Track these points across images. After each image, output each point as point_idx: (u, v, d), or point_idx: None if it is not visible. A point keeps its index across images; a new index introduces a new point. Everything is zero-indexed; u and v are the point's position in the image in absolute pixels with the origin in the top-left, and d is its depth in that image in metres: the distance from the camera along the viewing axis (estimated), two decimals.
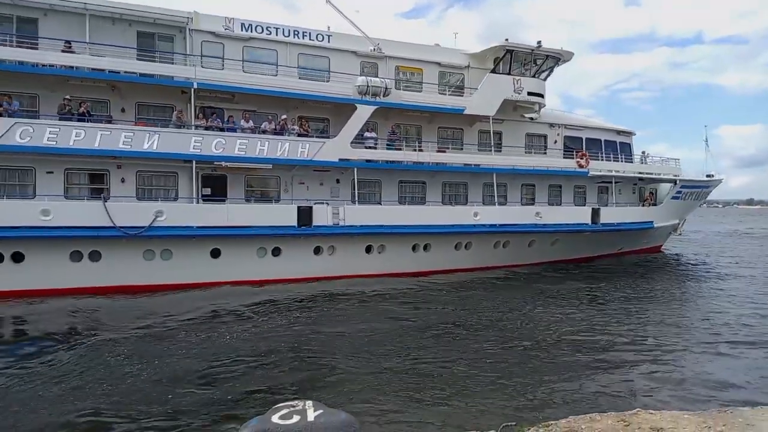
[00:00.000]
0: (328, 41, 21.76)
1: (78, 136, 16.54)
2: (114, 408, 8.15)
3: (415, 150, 22.18)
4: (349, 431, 2.43)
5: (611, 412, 5.15)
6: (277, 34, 20.83)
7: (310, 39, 21.40)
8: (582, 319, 14.62)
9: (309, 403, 2.54)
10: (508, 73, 23.62)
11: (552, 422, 4.81)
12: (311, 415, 2.43)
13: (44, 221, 15.89)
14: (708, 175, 32.37)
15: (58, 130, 16.36)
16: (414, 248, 21.48)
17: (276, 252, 19.15)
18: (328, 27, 22.32)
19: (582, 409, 7.38)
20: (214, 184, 19.22)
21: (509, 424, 4.66)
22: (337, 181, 21.39)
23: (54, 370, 9.96)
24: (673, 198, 29.10)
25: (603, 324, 14.03)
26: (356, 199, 20.67)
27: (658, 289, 19.60)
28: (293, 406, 2.50)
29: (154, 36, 19.23)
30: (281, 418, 2.40)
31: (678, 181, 28.83)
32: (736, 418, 4.73)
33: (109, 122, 17.96)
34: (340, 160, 20.20)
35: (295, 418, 2.38)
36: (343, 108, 20.91)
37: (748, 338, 12.69)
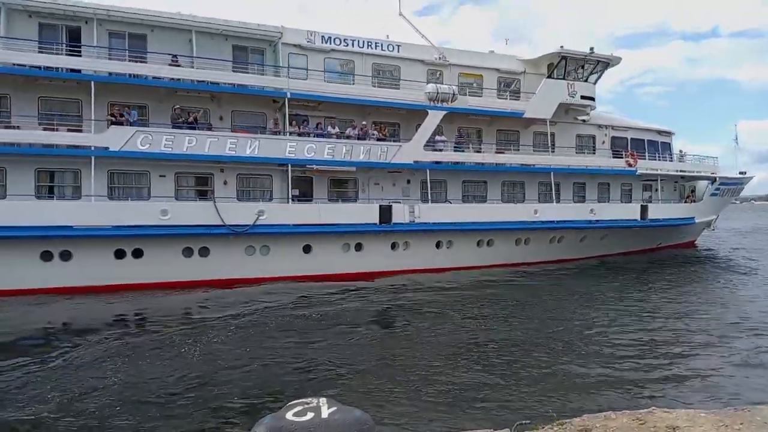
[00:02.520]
0: (398, 51, 23.36)
1: (190, 143, 18.25)
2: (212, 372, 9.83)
3: (479, 152, 23.76)
4: (363, 428, 2.38)
5: (626, 410, 5.01)
6: (353, 46, 22.44)
7: (382, 49, 23.01)
8: (603, 315, 14.73)
9: (323, 400, 2.52)
10: (563, 78, 25.13)
11: (566, 420, 4.69)
12: (325, 411, 2.40)
13: (163, 220, 17.61)
14: (741, 172, 33.74)
15: (173, 137, 18.07)
16: (479, 243, 23.07)
17: (358, 247, 20.80)
18: (386, 36, 23.72)
19: (597, 408, 7.34)
20: (302, 186, 20.89)
21: (523, 422, 4.58)
22: (408, 181, 23.01)
23: (175, 347, 11.58)
24: (712, 195, 30.54)
25: (622, 320, 14.03)
26: (428, 198, 22.28)
27: (684, 286, 19.82)
28: (307, 403, 2.48)
29: (247, 49, 20.89)
30: (295, 415, 2.38)
31: (717, 179, 30.26)
32: (753, 417, 4.66)
33: (209, 129, 19.63)
34: (414, 162, 21.82)
35: (309, 415, 2.37)
36: (413, 113, 22.53)
37: None
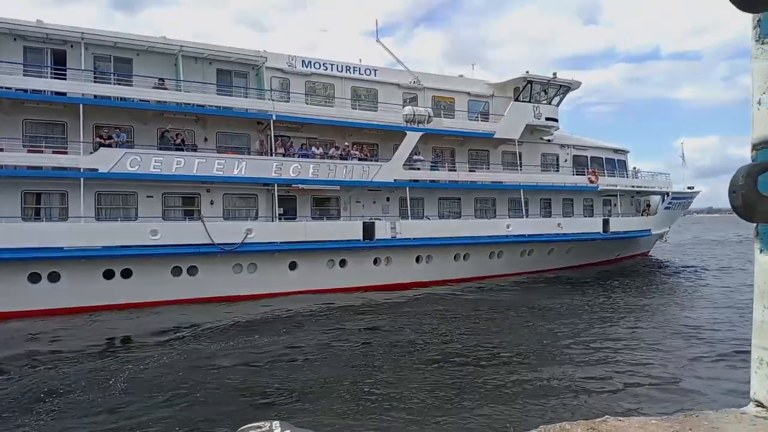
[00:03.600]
0: (376, 75, 24.41)
1: (178, 164, 18.59)
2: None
3: (453, 170, 24.95)
4: None
5: (581, 420, 6.10)
6: (332, 70, 23.35)
7: (360, 73, 24.01)
8: (559, 326, 14.99)
9: (276, 423, 2.32)
10: (529, 101, 26.74)
11: None
12: None
13: (153, 240, 17.82)
14: (689, 187, 36.31)
15: (162, 159, 18.38)
16: (455, 258, 24.08)
17: (342, 263, 21.45)
18: (359, 60, 24.85)
19: (553, 419, 7.22)
20: (286, 204, 21.45)
21: None
22: (387, 199, 23.91)
23: (175, 355, 11.95)
24: (666, 208, 32.77)
25: (577, 332, 14.32)
26: (408, 214, 23.20)
27: (637, 295, 20.29)
28: (259, 427, 2.27)
29: (231, 73, 21.48)
30: None
31: (670, 193, 32.52)
32: (701, 422, 5.65)
33: (195, 150, 20.01)
34: (394, 180, 22.75)
35: None
36: (391, 134, 23.52)
37: (715, 343, 12.84)
